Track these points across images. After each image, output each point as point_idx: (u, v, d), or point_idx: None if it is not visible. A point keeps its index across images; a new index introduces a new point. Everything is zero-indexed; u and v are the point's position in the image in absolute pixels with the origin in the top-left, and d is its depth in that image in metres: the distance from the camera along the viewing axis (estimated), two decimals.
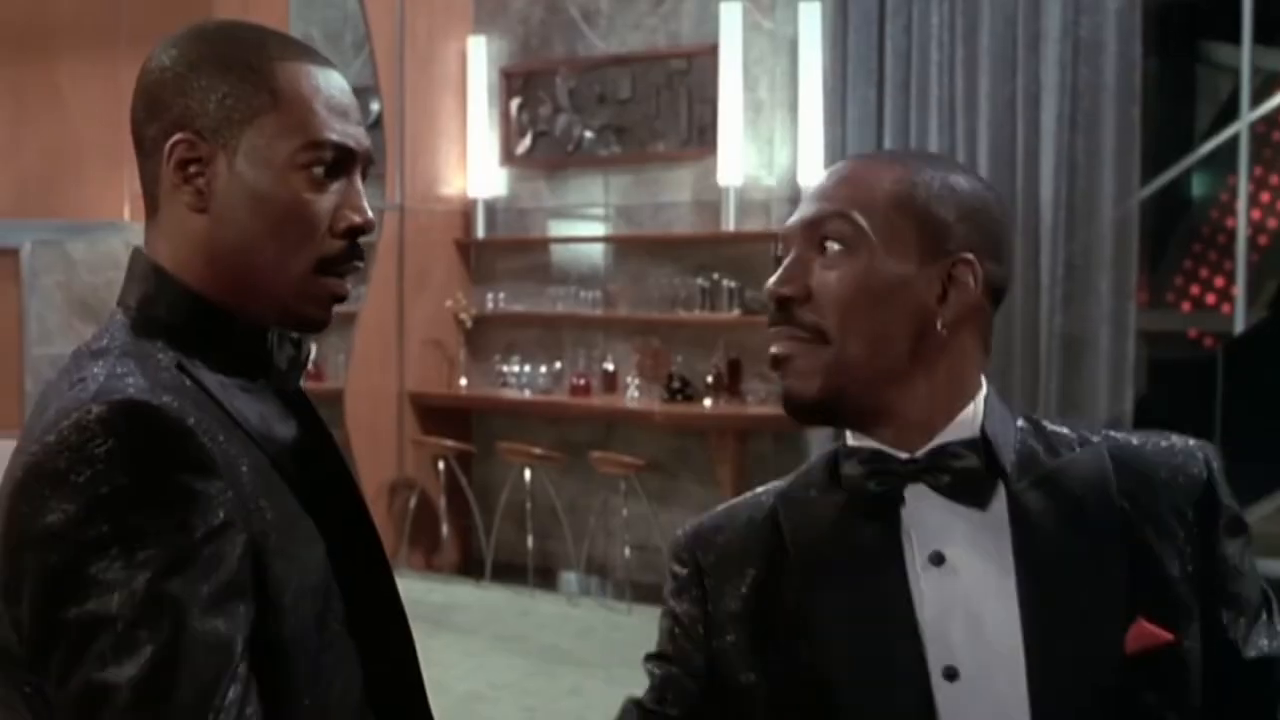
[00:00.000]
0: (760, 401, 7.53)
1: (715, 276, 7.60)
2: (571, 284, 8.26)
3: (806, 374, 1.45)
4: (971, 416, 1.48)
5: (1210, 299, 7.59)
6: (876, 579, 1.45)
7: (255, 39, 1.46)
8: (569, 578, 8.17)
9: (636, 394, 7.90)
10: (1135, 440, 1.51)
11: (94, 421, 1.29)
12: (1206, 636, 1.44)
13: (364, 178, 1.49)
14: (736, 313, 7.52)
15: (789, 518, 1.52)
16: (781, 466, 7.58)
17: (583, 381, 8.06)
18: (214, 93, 1.42)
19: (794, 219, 1.50)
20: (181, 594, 1.25)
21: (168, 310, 1.44)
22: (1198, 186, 7.92)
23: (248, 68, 1.43)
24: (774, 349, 1.48)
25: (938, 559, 1.44)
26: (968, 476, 1.45)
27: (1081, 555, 1.43)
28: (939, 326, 1.45)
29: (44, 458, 1.29)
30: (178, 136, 1.42)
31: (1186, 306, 7.69)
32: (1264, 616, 1.50)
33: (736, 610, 1.52)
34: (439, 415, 8.44)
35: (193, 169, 1.42)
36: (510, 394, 8.33)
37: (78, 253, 8.24)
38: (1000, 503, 1.45)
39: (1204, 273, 7.68)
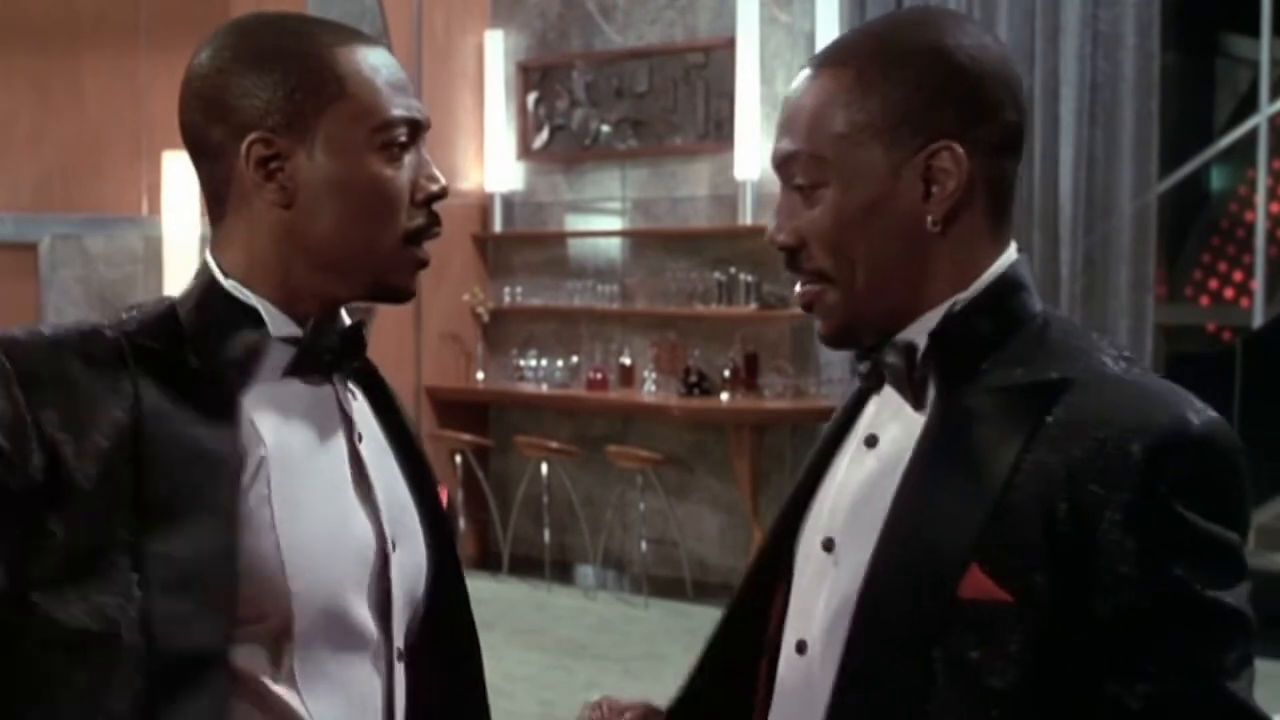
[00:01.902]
0: (777, 395, 7.53)
1: (732, 270, 7.59)
2: (588, 278, 8.27)
3: (827, 312, 1.43)
4: (945, 309, 1.40)
5: (1229, 293, 7.57)
6: (815, 455, 1.52)
7: (303, 29, 1.46)
8: (586, 571, 8.18)
9: (653, 388, 7.90)
10: (1119, 389, 1.33)
11: None
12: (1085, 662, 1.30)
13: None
14: (754, 307, 7.52)
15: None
16: (799, 460, 7.60)
17: (600, 375, 8.06)
18: (281, 88, 1.42)
19: (772, 157, 1.44)
20: None
21: (198, 310, 1.46)
22: (1217, 180, 7.90)
23: (309, 57, 1.43)
24: (797, 291, 1.46)
25: (871, 441, 1.45)
26: (897, 376, 1.42)
27: (957, 485, 1.35)
28: (930, 226, 1.38)
29: None
30: (253, 136, 1.42)
31: (1205, 300, 7.67)
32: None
33: None
34: (456, 409, 8.45)
35: (273, 165, 1.43)
36: (527, 388, 8.33)
37: (96, 247, 8.26)
38: (931, 403, 1.42)
39: (1222, 266, 7.65)
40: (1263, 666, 1.36)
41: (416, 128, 1.49)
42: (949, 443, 1.37)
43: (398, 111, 1.46)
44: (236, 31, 1.46)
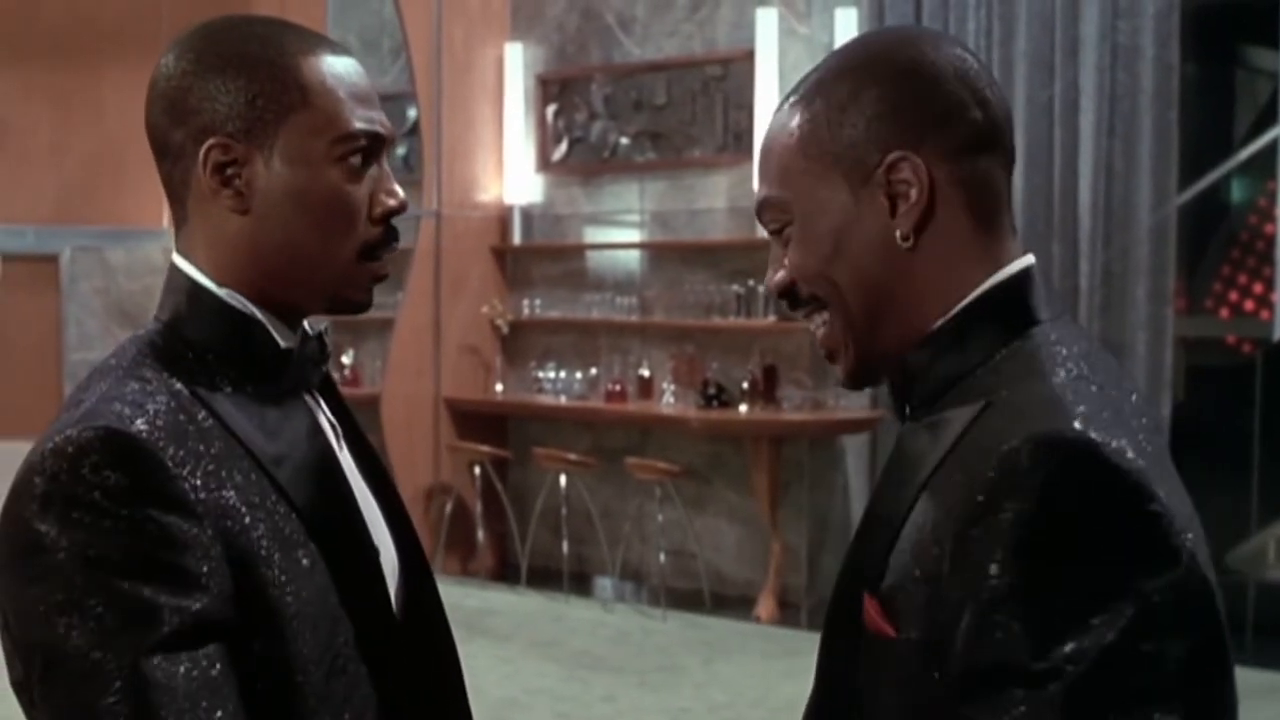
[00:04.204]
0: (796, 407, 7.52)
1: (750, 283, 7.60)
2: (607, 290, 8.28)
3: (838, 347, 1.40)
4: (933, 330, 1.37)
5: (1249, 305, 7.53)
6: (871, 495, 1.50)
7: (271, 35, 1.45)
8: (604, 584, 8.18)
9: (672, 400, 7.91)
10: (1024, 407, 1.23)
11: (71, 447, 1.30)
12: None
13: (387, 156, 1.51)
14: (772, 319, 7.52)
15: None
16: (817, 472, 7.62)
17: (618, 387, 8.07)
18: (243, 94, 1.41)
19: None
20: (139, 636, 1.25)
21: (197, 327, 1.44)
22: (1236, 192, 7.86)
23: (273, 66, 1.42)
24: (817, 338, 1.43)
25: None
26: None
27: (882, 515, 1.33)
28: (900, 242, 1.33)
29: (27, 477, 1.31)
30: (211, 141, 1.41)
31: (1225, 313, 7.63)
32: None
33: None
34: (475, 421, 8.46)
35: (230, 171, 1.42)
36: (546, 400, 8.35)
37: (116, 259, 8.31)
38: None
39: (1243, 279, 7.62)
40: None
41: (378, 140, 1.46)
42: (889, 471, 1.37)
43: (359, 124, 1.44)
44: (204, 35, 1.45)
